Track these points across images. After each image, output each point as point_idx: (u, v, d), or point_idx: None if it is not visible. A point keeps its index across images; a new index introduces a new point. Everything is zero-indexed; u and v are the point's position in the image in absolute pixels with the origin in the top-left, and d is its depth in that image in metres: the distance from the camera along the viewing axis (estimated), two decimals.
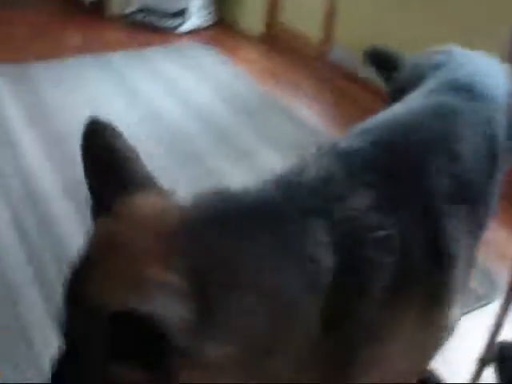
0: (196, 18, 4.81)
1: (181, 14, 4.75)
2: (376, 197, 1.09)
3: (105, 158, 1.03)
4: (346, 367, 1.09)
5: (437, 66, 1.52)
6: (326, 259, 0.99)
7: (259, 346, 0.94)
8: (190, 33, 4.77)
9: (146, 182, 1.01)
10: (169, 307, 0.83)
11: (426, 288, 1.15)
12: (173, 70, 4.14)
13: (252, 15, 4.76)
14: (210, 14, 4.89)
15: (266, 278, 0.94)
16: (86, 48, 4.40)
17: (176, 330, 0.83)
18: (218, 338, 0.89)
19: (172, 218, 0.93)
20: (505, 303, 1.91)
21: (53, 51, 4.30)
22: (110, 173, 1.01)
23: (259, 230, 0.97)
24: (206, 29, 4.86)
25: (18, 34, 4.57)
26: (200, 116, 3.56)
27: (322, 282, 0.99)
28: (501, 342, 1.90)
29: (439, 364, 1.75)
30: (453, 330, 1.25)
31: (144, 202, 0.96)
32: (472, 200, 1.26)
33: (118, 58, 4.22)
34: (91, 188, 1.02)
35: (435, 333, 1.23)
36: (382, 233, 1.07)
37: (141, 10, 4.83)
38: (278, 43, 4.58)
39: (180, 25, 4.76)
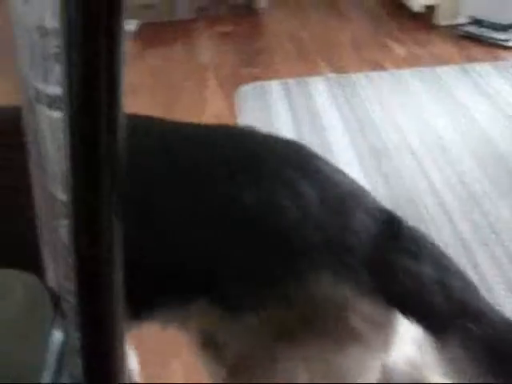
0: None
1: None
2: None
3: None
4: None
5: None
6: None
7: None
8: None
9: None
10: None
11: None
12: (504, 89, 3.83)
13: None
14: None
15: None
16: (411, 60, 4.30)
17: None
18: None
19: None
20: None
21: (376, 61, 4.28)
22: None
23: None
24: None
25: (340, 42, 4.61)
26: None
27: None
28: None
29: None
30: None
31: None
32: None
33: (445, 72, 4.04)
34: None
35: None
36: None
37: (471, 22, 4.59)
38: None
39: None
